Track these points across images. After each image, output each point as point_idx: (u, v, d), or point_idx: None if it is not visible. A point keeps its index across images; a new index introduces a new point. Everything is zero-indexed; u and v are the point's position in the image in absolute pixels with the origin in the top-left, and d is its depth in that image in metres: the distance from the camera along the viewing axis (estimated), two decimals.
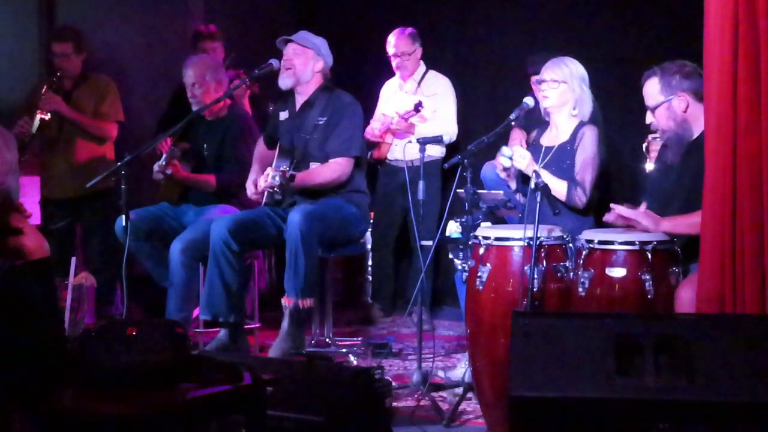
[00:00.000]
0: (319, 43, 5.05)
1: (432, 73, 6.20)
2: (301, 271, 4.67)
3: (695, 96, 3.75)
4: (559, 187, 4.27)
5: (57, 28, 5.81)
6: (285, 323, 4.71)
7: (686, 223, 3.56)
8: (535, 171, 4.00)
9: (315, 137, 4.97)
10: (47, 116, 5.52)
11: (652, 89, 3.83)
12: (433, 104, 6.07)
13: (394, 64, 6.14)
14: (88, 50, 5.75)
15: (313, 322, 5.20)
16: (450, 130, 5.97)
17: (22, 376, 2.50)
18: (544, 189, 3.79)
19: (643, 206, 3.73)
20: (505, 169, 4.38)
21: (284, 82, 5.03)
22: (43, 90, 5.54)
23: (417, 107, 5.92)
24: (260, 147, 5.29)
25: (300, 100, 5.09)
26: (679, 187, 3.77)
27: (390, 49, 6.11)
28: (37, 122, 5.51)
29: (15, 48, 6.08)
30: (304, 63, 5.00)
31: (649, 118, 3.93)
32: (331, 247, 4.95)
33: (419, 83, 6.15)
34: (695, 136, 3.77)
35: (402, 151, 5.76)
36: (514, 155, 4.28)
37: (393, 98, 6.21)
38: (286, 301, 4.72)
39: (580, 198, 4.29)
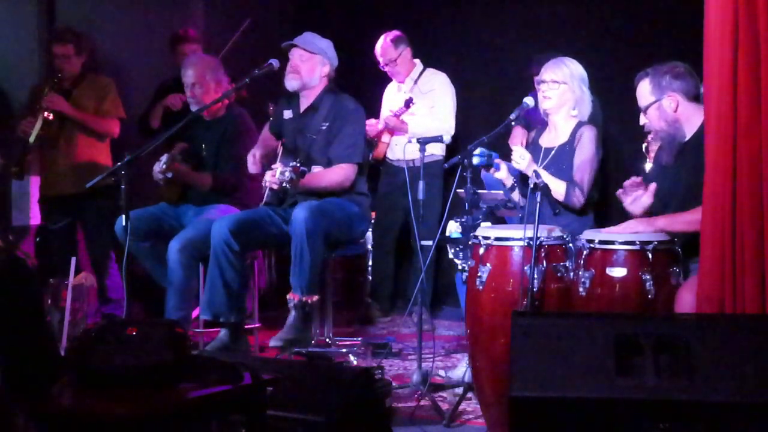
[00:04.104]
0: (325, 47, 5.03)
1: (430, 70, 6.23)
2: (306, 266, 4.67)
3: (686, 96, 3.76)
4: (557, 188, 4.27)
5: (58, 29, 5.81)
6: (291, 317, 4.72)
7: (682, 220, 3.56)
8: (534, 171, 4.00)
9: (318, 141, 4.96)
10: (51, 116, 5.55)
11: (644, 90, 3.84)
12: (431, 101, 6.09)
13: (387, 72, 6.18)
14: (88, 51, 5.77)
15: (313, 321, 5.21)
16: (447, 126, 5.98)
17: (22, 375, 2.50)
18: (545, 189, 3.79)
19: (652, 186, 3.75)
20: (486, 167, 4.38)
21: (290, 84, 5.02)
22: (45, 91, 5.57)
23: (407, 103, 5.96)
24: (266, 132, 5.29)
25: (305, 102, 5.07)
26: (676, 188, 3.77)
27: (379, 60, 6.15)
28: (40, 123, 5.55)
29: (15, 48, 6.08)
30: (311, 69, 4.98)
31: (642, 119, 3.94)
32: (333, 245, 4.95)
33: (416, 81, 6.18)
34: (687, 137, 3.78)
35: (402, 151, 5.77)
36: (514, 155, 4.27)
37: (393, 99, 6.25)
38: (292, 297, 4.73)
39: (578, 199, 4.29)
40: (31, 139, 5.54)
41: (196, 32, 6.22)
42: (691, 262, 3.59)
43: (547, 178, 4.18)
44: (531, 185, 3.84)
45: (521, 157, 4.25)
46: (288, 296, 4.76)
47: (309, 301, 4.72)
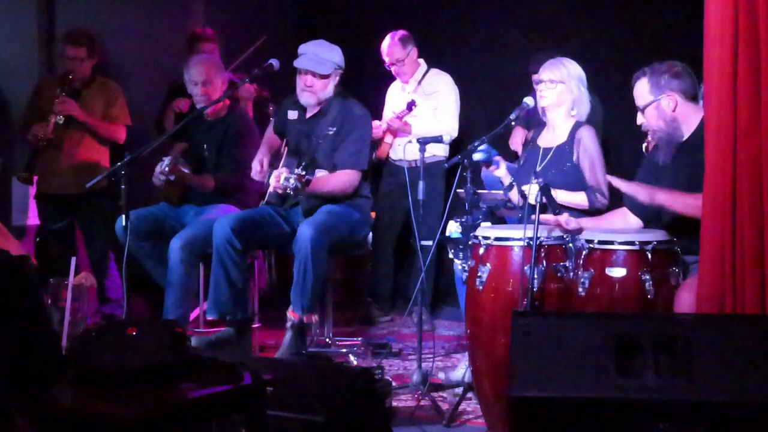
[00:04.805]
0: (337, 60, 4.96)
1: (434, 71, 6.20)
2: (309, 286, 4.67)
3: (684, 95, 3.77)
4: (578, 200, 4.27)
5: (71, 31, 5.77)
6: (288, 336, 4.72)
7: (683, 201, 3.57)
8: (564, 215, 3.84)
9: (324, 146, 4.94)
10: (62, 120, 5.57)
11: (642, 89, 3.85)
12: (434, 102, 6.08)
13: (392, 71, 6.16)
14: (100, 54, 5.78)
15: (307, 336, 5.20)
16: (450, 128, 5.96)
17: (22, 375, 2.50)
18: (545, 189, 3.79)
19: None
20: (485, 163, 4.35)
21: (306, 101, 4.98)
22: (58, 93, 5.57)
23: (410, 106, 5.94)
24: (270, 132, 5.26)
25: (312, 105, 5.03)
26: (674, 188, 3.76)
27: (385, 59, 6.12)
28: (52, 127, 5.55)
29: (15, 48, 6.08)
30: (325, 85, 4.93)
31: (639, 119, 3.94)
32: (334, 253, 4.96)
33: (419, 82, 6.16)
34: (686, 137, 3.79)
35: (403, 151, 5.77)
36: (530, 194, 3.98)
37: (396, 99, 6.23)
38: (292, 315, 4.71)
39: (602, 202, 4.30)
40: (43, 143, 5.55)
41: (213, 32, 6.21)
42: (690, 262, 3.60)
43: (564, 196, 4.17)
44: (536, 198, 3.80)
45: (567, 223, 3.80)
46: (288, 314, 4.74)
47: (308, 320, 4.72)
